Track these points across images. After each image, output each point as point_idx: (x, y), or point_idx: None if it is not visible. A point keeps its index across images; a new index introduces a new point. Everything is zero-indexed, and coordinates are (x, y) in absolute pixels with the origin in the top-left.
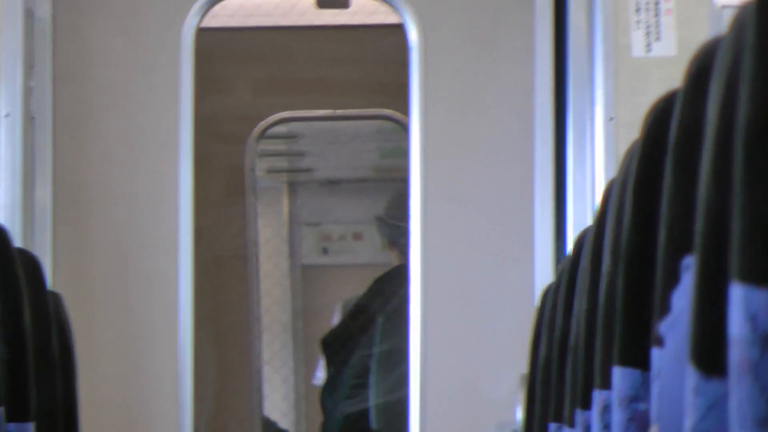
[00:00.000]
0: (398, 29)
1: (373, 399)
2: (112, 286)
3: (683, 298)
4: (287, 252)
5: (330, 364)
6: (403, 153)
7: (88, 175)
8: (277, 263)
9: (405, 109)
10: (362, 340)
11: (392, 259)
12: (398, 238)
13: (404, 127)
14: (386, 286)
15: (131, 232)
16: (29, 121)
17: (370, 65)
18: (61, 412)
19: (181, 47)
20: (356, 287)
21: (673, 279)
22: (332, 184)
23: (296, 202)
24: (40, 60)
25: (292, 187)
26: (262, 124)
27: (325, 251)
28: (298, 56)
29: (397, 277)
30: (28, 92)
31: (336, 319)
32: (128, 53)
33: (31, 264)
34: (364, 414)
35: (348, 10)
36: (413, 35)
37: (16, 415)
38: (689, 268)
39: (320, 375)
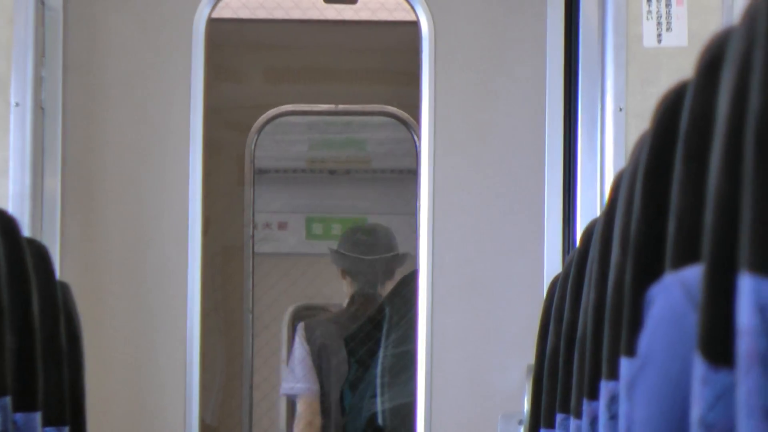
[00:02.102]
0: (403, 26)
1: (390, 400)
2: (121, 276)
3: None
4: None
5: (353, 362)
6: (334, 145)
7: (97, 165)
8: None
9: (406, 104)
10: (389, 337)
11: (344, 287)
12: (350, 269)
13: (404, 123)
14: (408, 285)
15: (141, 222)
16: (39, 110)
17: (372, 60)
18: (68, 402)
19: (193, 37)
20: (280, 277)
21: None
22: (261, 173)
23: None
24: (51, 49)
25: None
26: (263, 116)
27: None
28: (304, 49)
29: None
30: (38, 82)
31: (299, 338)
32: (139, 43)
33: (40, 253)
34: (392, 412)
35: (355, 6)
36: (425, 26)
37: (24, 404)
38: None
39: (288, 386)
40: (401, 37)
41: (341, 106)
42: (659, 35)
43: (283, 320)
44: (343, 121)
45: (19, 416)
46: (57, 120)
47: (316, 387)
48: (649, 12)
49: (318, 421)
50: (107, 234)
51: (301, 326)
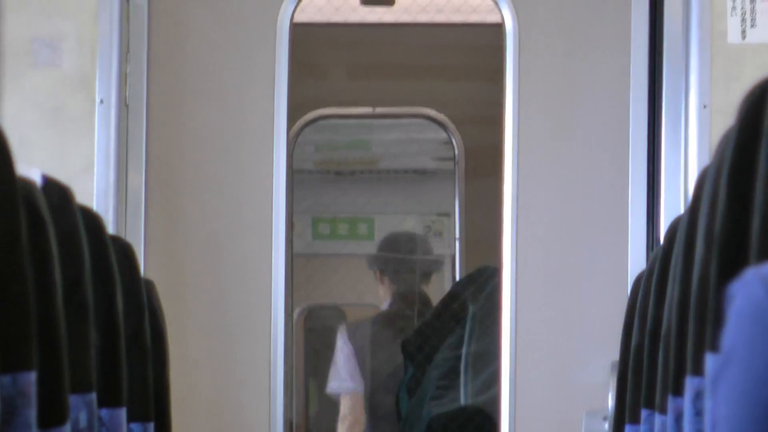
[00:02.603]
0: (442, 27)
1: (473, 397)
2: (205, 273)
3: None
4: None
5: (411, 364)
6: (340, 146)
7: (181, 162)
8: None
9: (441, 105)
10: (448, 340)
11: (381, 290)
12: (391, 270)
13: (442, 126)
14: (470, 286)
15: (225, 218)
16: (124, 107)
17: (409, 61)
18: (153, 398)
19: (277, 35)
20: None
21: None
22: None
23: None
24: (135, 46)
25: None
26: (302, 120)
27: None
28: (339, 51)
29: (481, 276)
30: (123, 79)
31: (343, 342)
32: (223, 40)
33: (124, 251)
34: (450, 415)
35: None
36: (509, 24)
37: (109, 400)
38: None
39: (336, 384)
40: (440, 37)
41: (378, 109)
42: (744, 31)
43: (295, 321)
44: (353, 123)
45: (105, 412)
46: (141, 117)
47: (361, 387)
48: (734, 8)
49: (363, 419)
50: (191, 231)
51: (343, 327)
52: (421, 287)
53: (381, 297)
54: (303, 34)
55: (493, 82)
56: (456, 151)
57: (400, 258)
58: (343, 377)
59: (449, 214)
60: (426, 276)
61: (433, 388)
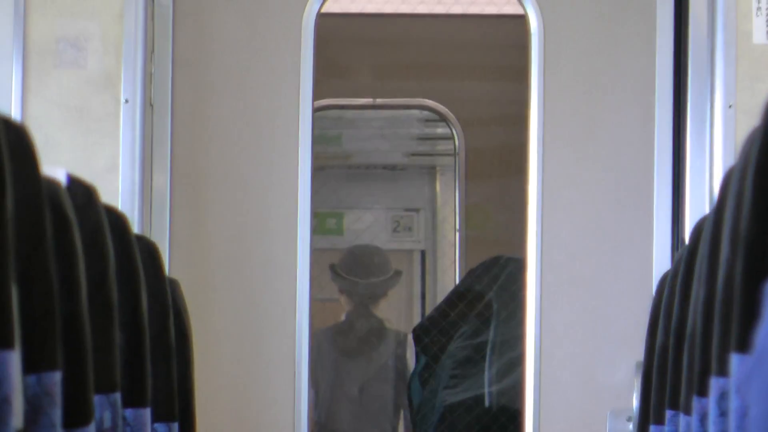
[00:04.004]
0: (447, 19)
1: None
2: (230, 272)
3: None
4: None
5: (423, 353)
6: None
7: (206, 161)
8: None
9: (444, 98)
10: (462, 329)
11: (342, 303)
12: (346, 289)
13: (444, 119)
14: (485, 275)
15: (250, 217)
16: (149, 107)
17: (410, 54)
18: (177, 398)
19: (303, 33)
20: None
21: None
22: None
23: None
24: (160, 45)
25: None
26: None
27: None
28: (338, 43)
29: (495, 265)
30: (148, 78)
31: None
32: (248, 38)
33: (149, 250)
34: (463, 404)
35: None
36: (533, 21)
37: (134, 400)
38: None
39: None
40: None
41: (379, 100)
42: None
43: None
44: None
45: (129, 412)
46: (166, 116)
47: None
48: (759, 8)
49: None
50: (216, 230)
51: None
52: (377, 304)
53: (343, 307)
54: (323, 27)
55: (504, 80)
56: (457, 145)
57: (352, 281)
58: None
59: (419, 210)
60: (382, 293)
61: (447, 377)
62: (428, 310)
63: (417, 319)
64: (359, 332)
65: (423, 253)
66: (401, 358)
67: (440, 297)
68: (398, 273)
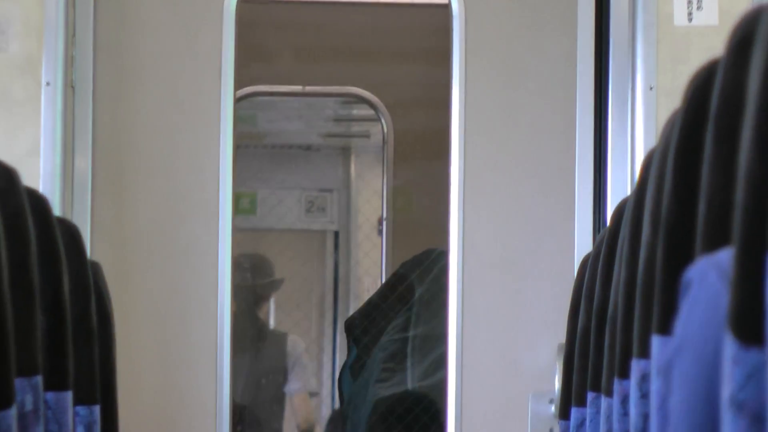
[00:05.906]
0: (378, 6)
1: (421, 380)
2: (152, 255)
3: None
4: None
5: (355, 345)
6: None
7: (128, 145)
8: None
9: (371, 84)
10: (393, 321)
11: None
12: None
13: (371, 105)
14: (417, 268)
15: (172, 201)
16: (70, 90)
17: (338, 40)
18: (99, 381)
19: (224, 17)
20: None
21: (713, 249)
22: None
23: None
24: (81, 28)
25: None
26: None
27: None
28: (268, 28)
29: (427, 258)
30: (69, 61)
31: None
32: (170, 22)
33: (71, 233)
34: (395, 398)
35: None
36: (456, 6)
37: (55, 384)
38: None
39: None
40: (370, 16)
41: (308, 88)
42: (690, 14)
43: None
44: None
45: (50, 395)
46: (88, 99)
47: None
48: None
49: None
50: (138, 213)
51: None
52: (261, 306)
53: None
54: (246, 12)
55: (430, 65)
56: (385, 131)
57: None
58: None
59: (332, 190)
60: (266, 297)
61: (378, 370)
62: (341, 291)
63: (329, 298)
64: (245, 333)
65: (336, 234)
66: (281, 358)
67: (354, 278)
68: (280, 280)
